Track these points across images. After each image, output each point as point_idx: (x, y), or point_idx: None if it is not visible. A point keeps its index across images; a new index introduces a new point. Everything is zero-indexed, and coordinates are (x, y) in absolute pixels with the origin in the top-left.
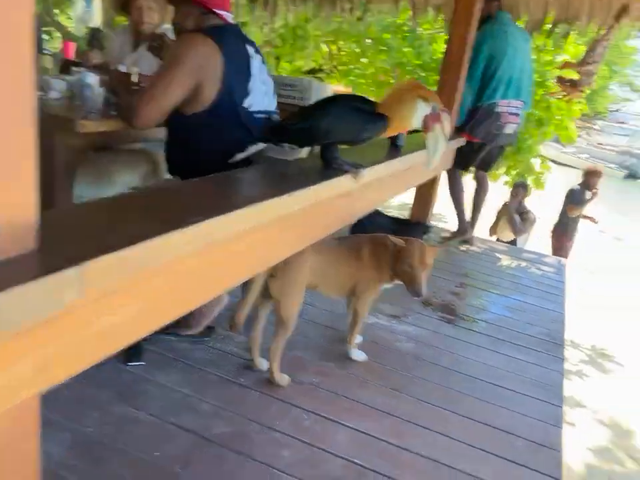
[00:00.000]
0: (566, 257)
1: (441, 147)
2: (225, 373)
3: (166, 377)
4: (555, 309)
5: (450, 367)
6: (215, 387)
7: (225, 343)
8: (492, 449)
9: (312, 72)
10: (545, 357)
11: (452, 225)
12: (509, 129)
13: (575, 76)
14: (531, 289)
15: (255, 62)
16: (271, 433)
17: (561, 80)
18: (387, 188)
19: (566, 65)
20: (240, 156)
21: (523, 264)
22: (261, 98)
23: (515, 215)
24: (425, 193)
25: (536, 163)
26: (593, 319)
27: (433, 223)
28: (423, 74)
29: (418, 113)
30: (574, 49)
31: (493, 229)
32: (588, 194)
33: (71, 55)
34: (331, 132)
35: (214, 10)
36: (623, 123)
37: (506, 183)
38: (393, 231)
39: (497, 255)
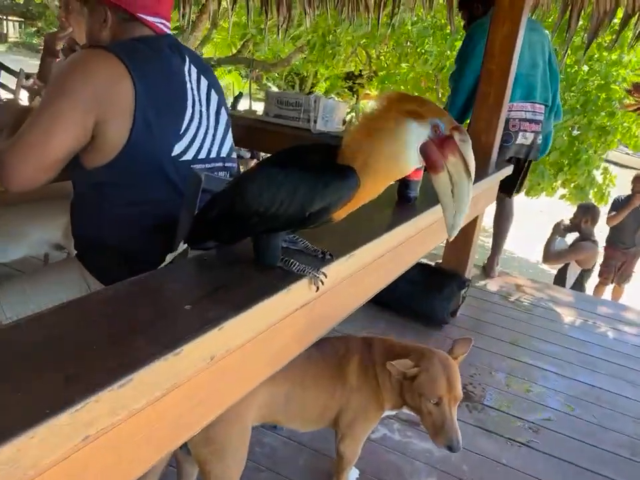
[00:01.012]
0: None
1: (466, 195)
2: None
3: None
4: None
5: None
6: None
7: None
8: None
9: (350, 77)
10: None
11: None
12: (524, 139)
13: None
14: (602, 364)
15: (199, 89)
16: None
17: (638, 87)
18: (391, 265)
19: None
20: (168, 257)
21: (590, 321)
22: (201, 141)
23: (559, 239)
24: (462, 235)
25: (598, 174)
26: None
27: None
28: None
29: (412, 141)
30: None
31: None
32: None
33: None
34: (244, 223)
35: (138, 15)
36: None
37: (562, 196)
38: (423, 284)
39: (554, 307)
